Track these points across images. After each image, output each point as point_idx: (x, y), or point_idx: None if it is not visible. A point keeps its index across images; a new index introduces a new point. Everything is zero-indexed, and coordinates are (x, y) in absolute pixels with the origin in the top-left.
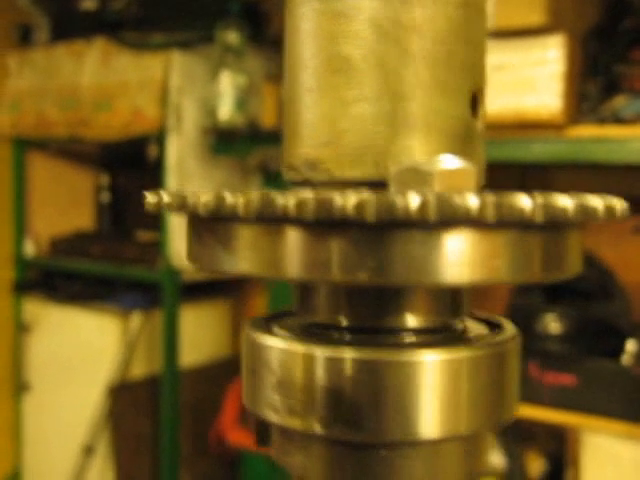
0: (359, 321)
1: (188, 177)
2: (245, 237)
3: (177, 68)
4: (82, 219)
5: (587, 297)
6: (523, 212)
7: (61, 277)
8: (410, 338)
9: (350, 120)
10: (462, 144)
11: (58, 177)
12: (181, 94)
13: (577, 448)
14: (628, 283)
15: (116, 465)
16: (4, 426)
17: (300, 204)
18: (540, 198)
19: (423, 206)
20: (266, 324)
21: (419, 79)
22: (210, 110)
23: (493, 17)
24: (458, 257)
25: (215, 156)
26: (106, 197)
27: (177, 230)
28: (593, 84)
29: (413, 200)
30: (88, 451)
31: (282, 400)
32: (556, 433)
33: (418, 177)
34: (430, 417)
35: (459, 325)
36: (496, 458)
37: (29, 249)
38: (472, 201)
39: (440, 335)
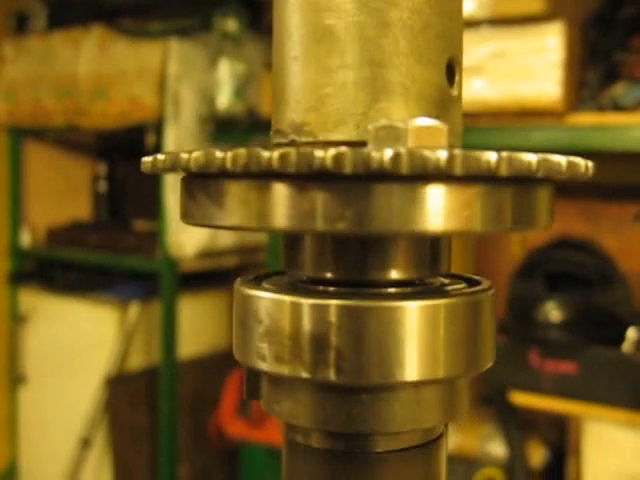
0: (343, 274)
1: None
2: (234, 192)
3: (175, 56)
4: (79, 209)
5: (588, 285)
6: (489, 164)
7: (58, 267)
8: (391, 290)
9: (333, 86)
10: (439, 109)
11: (55, 166)
12: (179, 82)
13: (578, 437)
14: (629, 271)
15: (114, 458)
16: (0, 419)
17: (283, 156)
18: (505, 154)
19: (396, 158)
20: (255, 280)
21: (397, 48)
22: (209, 98)
23: (493, 4)
24: (431, 207)
25: (214, 144)
26: (103, 186)
27: (175, 219)
28: (593, 72)
29: (387, 153)
30: (85, 443)
31: (270, 348)
32: (557, 422)
33: (393, 134)
34: (409, 361)
35: (438, 280)
36: (498, 447)
37: (25, 239)
38: (441, 154)
39: (419, 287)
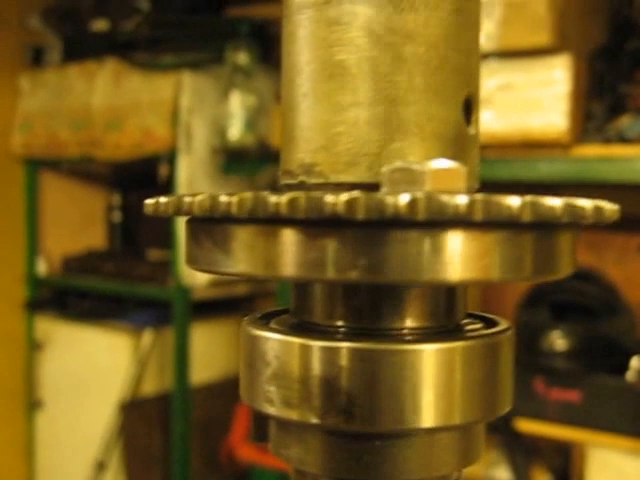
0: (354, 323)
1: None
2: (240, 237)
3: (187, 88)
4: (94, 238)
5: (592, 315)
6: (511, 210)
7: (73, 295)
8: (405, 336)
9: (344, 125)
10: (456, 149)
11: (70, 197)
12: (191, 114)
13: (583, 463)
14: (633, 301)
15: None
16: (18, 443)
17: (292, 202)
18: (529, 198)
19: (412, 204)
20: (263, 319)
21: (412, 84)
22: (220, 130)
23: (500, 37)
24: (448, 256)
25: (225, 175)
26: (118, 216)
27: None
28: (599, 104)
29: (402, 198)
30: (100, 467)
31: (278, 392)
32: (562, 449)
33: (409, 177)
34: (424, 407)
35: (454, 323)
36: (503, 473)
37: (41, 268)
38: (460, 200)
39: (434, 330)
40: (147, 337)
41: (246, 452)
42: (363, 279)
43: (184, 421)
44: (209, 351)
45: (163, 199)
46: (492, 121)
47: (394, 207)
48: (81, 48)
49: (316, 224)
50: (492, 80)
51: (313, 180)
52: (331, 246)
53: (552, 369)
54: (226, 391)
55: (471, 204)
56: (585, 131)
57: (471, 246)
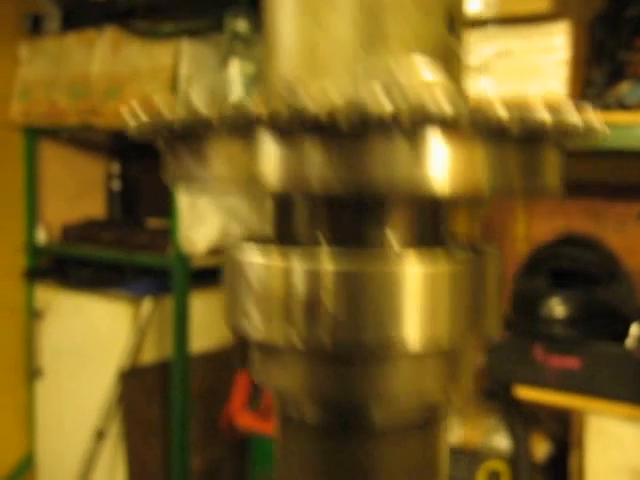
0: (337, 244)
1: None
2: (221, 150)
3: (187, 56)
4: (93, 207)
5: (592, 282)
6: (498, 119)
7: (73, 264)
8: (389, 253)
9: (325, 37)
10: (440, 62)
11: (69, 165)
12: (190, 82)
13: (581, 431)
14: (632, 268)
15: (127, 449)
16: (17, 412)
17: (272, 110)
18: (517, 110)
19: (395, 109)
20: (246, 245)
21: None
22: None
23: (499, 4)
24: (435, 163)
25: None
26: (117, 185)
27: (186, 217)
28: (598, 71)
29: (385, 103)
30: (100, 435)
31: (261, 315)
32: (561, 416)
33: (387, 75)
34: (408, 328)
35: (439, 245)
36: (502, 440)
37: (41, 236)
38: (444, 105)
39: (419, 251)
40: (146, 305)
41: (245, 420)
42: (344, 188)
43: (183, 389)
44: (208, 319)
45: (145, 116)
46: (491, 88)
47: (377, 113)
48: (80, 16)
49: (298, 133)
50: (491, 47)
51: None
52: (313, 155)
53: (551, 336)
54: (225, 359)
55: (456, 110)
56: (584, 98)
57: (457, 154)
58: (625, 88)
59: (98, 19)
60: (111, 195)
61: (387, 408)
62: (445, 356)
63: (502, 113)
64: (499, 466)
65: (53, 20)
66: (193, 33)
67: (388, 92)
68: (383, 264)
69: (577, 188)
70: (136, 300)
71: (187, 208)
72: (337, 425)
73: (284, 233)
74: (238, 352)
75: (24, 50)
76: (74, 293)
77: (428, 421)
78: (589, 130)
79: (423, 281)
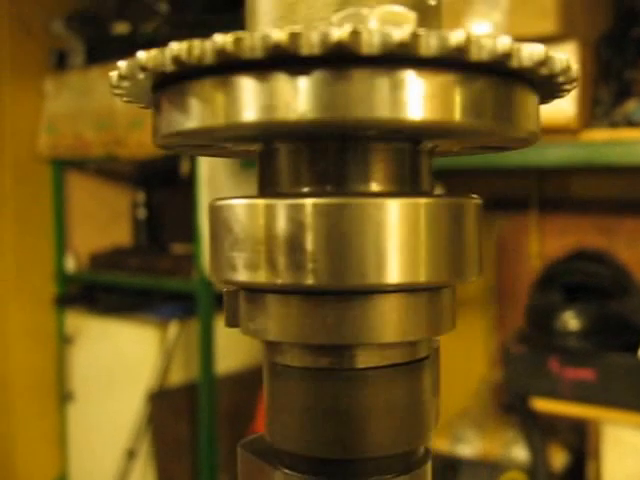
0: (318, 187)
1: (219, 190)
2: (195, 91)
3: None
4: (120, 235)
5: (604, 295)
6: (458, 43)
7: (101, 290)
8: (370, 191)
9: None
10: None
11: (96, 195)
12: None
13: (597, 440)
14: None
15: (157, 468)
16: (51, 434)
17: (237, 40)
18: (475, 35)
19: (354, 34)
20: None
21: None
22: None
23: (507, 26)
24: (402, 93)
25: (245, 169)
26: (142, 213)
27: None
28: (605, 89)
29: (345, 28)
30: (130, 455)
31: (241, 256)
32: (577, 426)
33: (357, 19)
34: (388, 263)
35: (420, 189)
36: (520, 452)
37: (70, 264)
38: (404, 31)
39: (400, 189)
40: (173, 329)
41: None
42: (317, 119)
43: (210, 410)
44: (233, 341)
45: (122, 63)
46: None
47: (337, 37)
48: (103, 51)
49: (268, 66)
50: None
51: None
52: (284, 87)
53: (566, 348)
54: (251, 380)
55: (415, 35)
56: (593, 116)
57: (426, 84)
58: (632, 106)
59: (121, 52)
60: (137, 223)
61: (371, 350)
62: (426, 296)
63: (460, 37)
64: (518, 477)
65: (77, 55)
66: None
67: (355, 24)
68: (362, 202)
69: (588, 205)
70: (163, 324)
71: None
72: (322, 368)
73: (267, 184)
74: (225, 309)
75: (50, 85)
76: (103, 318)
77: (413, 363)
78: (551, 60)
79: (402, 218)
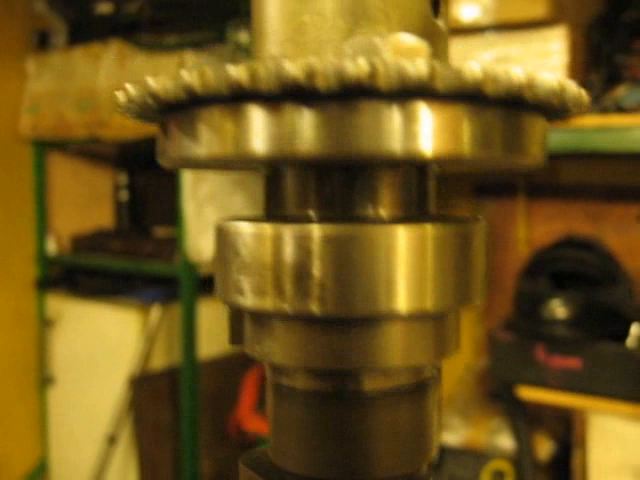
0: (326, 211)
1: (202, 173)
2: (206, 119)
3: (190, 68)
4: (102, 217)
5: (592, 283)
6: (474, 78)
7: (82, 273)
8: (377, 219)
9: (310, 14)
10: (423, 39)
11: (78, 177)
12: None
13: (584, 430)
14: (632, 269)
15: (138, 453)
16: (30, 418)
17: (252, 73)
18: (491, 68)
19: (372, 69)
20: (236, 219)
21: None
22: None
23: (497, 11)
24: (415, 127)
25: None
26: (124, 195)
27: (193, 226)
28: (596, 74)
29: (362, 63)
30: (111, 440)
31: (248, 281)
32: (563, 415)
33: (370, 49)
34: (396, 291)
35: (426, 214)
36: (505, 440)
37: (51, 247)
38: (422, 65)
39: (406, 217)
40: (155, 313)
41: (253, 424)
42: (329, 153)
43: (192, 395)
44: (216, 326)
45: (131, 88)
46: None
47: (354, 73)
48: (86, 31)
49: (280, 98)
50: (489, 53)
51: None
52: (296, 119)
53: (553, 337)
54: (233, 365)
55: (432, 70)
56: None
57: (438, 118)
58: (622, 91)
59: (103, 33)
60: (119, 205)
61: (377, 374)
62: (432, 321)
63: (477, 72)
64: (503, 466)
65: (60, 35)
66: (196, 45)
67: (369, 58)
68: (370, 230)
69: (576, 191)
70: (145, 308)
71: (193, 217)
72: (327, 392)
73: (274, 206)
74: (230, 327)
75: (32, 65)
76: (84, 302)
77: (417, 386)
78: (564, 92)
79: (410, 246)
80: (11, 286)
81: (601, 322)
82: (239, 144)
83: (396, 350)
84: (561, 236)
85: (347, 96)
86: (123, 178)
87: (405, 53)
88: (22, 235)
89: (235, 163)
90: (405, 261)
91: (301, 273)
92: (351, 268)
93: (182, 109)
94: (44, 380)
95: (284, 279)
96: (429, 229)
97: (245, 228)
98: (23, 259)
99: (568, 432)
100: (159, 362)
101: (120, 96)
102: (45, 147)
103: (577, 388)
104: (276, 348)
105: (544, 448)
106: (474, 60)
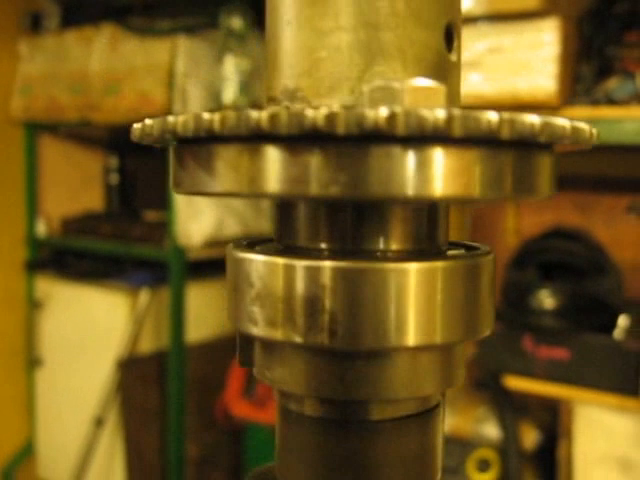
0: (337, 245)
1: None
2: (223, 156)
3: (183, 53)
4: (92, 200)
5: (580, 274)
6: (490, 125)
7: (72, 256)
8: (387, 257)
9: (327, 50)
10: (437, 74)
11: (68, 159)
12: (186, 78)
13: (570, 420)
14: (620, 260)
15: (125, 436)
16: (18, 400)
17: (273, 117)
18: (507, 114)
19: (391, 118)
20: (248, 245)
21: (394, 9)
22: (215, 93)
23: (489, 1)
24: (429, 171)
25: None
26: (115, 179)
27: (183, 210)
28: (587, 66)
29: (382, 112)
30: (98, 423)
31: (262, 312)
32: (549, 405)
33: (388, 94)
34: (405, 325)
35: (435, 247)
36: (492, 429)
37: (41, 229)
38: (439, 114)
39: (416, 252)
40: (144, 296)
41: (240, 409)
42: (344, 194)
43: (179, 378)
44: (204, 310)
45: (149, 121)
46: (481, 83)
47: (374, 121)
48: (78, 14)
49: (298, 140)
50: (482, 43)
51: (296, 105)
52: (313, 161)
53: (540, 327)
54: (221, 349)
55: (450, 119)
56: (573, 93)
57: (451, 162)
58: (614, 83)
59: (96, 16)
60: (109, 188)
61: (385, 402)
62: (440, 352)
63: (493, 118)
64: (489, 454)
65: (52, 18)
66: (189, 30)
67: (384, 103)
68: (382, 266)
69: (566, 182)
70: (133, 291)
71: (183, 201)
72: (336, 419)
73: (286, 235)
74: (240, 349)
75: (24, 47)
76: (73, 284)
77: (424, 413)
78: (576, 133)
79: (420, 282)
80: (0, 267)
81: (589, 313)
82: (255, 182)
83: (404, 381)
84: (550, 227)
85: (363, 139)
86: (114, 161)
87: (422, 98)
88: (12, 217)
89: (248, 196)
90: (415, 296)
91: (313, 306)
92: (362, 302)
93: (199, 142)
94: (32, 362)
95: (297, 311)
96: (439, 265)
97: (260, 261)
98: (13, 241)
99: (554, 422)
100: (147, 345)
101: (137, 128)
102: (36, 129)
103: (564, 378)
104: (286, 376)
105: (530, 437)
106: (467, 51)
